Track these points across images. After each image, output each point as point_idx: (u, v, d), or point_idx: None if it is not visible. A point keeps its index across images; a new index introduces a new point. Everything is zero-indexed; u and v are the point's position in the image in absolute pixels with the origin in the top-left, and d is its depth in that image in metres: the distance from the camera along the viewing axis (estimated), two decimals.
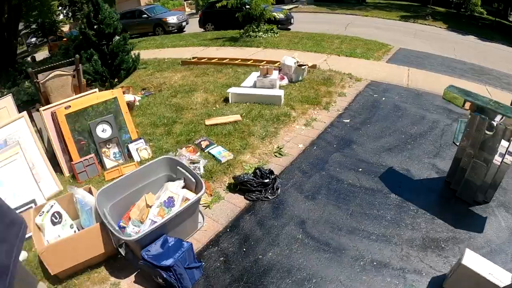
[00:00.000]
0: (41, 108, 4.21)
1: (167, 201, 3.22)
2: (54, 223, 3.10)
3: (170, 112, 5.44)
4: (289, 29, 12.80)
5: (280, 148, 4.45)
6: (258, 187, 3.69)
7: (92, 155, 4.29)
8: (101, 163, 4.33)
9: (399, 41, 11.00)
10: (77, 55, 4.52)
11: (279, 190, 3.72)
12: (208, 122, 4.99)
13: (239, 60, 7.14)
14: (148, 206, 3.35)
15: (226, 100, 5.58)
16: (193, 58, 7.52)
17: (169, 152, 4.38)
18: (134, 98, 5.62)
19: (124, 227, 3.19)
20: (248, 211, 3.52)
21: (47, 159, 4.14)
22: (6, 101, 4.19)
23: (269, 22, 10.40)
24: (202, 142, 4.54)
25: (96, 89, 4.52)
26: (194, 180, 3.23)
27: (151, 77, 6.91)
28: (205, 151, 4.40)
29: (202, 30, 16.09)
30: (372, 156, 4.25)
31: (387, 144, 4.50)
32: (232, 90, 5.56)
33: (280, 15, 11.20)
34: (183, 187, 3.38)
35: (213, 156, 4.29)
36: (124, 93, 5.77)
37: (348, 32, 11.69)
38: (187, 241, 2.87)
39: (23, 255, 3.21)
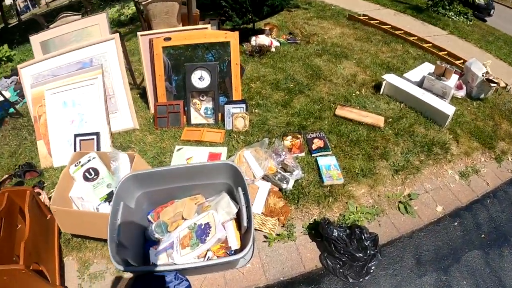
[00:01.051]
0: (139, 33, 3.24)
1: (202, 227, 2.09)
2: (86, 179, 2.40)
3: (304, 75, 3.92)
4: (485, 20, 9.01)
5: (411, 199, 2.72)
6: (344, 255, 2.19)
7: (180, 102, 3.21)
8: (187, 115, 3.22)
9: None
10: None
11: (368, 276, 2.20)
12: (339, 111, 3.35)
13: (415, 38, 4.94)
14: (183, 218, 2.18)
15: (377, 87, 3.75)
16: (363, 15, 5.56)
17: (268, 135, 3.04)
18: (271, 42, 4.22)
19: (151, 222, 2.29)
20: (309, 282, 2.22)
21: (129, 90, 3.22)
22: (100, 18, 3.35)
23: (464, 4, 7.32)
24: (315, 140, 3.02)
25: (208, 26, 3.24)
26: (245, 224, 1.89)
27: (307, 22, 5.28)
28: (312, 155, 2.90)
29: None
30: None
31: None
32: (390, 78, 3.67)
33: (480, 0, 7.79)
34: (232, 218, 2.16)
35: (318, 168, 2.78)
36: (263, 32, 4.42)
37: None
38: None
39: None
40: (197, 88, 3.17)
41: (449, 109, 3.31)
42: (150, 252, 2.09)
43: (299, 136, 3.05)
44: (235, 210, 2.10)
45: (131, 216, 2.08)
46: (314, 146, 2.96)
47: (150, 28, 3.37)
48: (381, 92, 3.68)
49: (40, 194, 2.88)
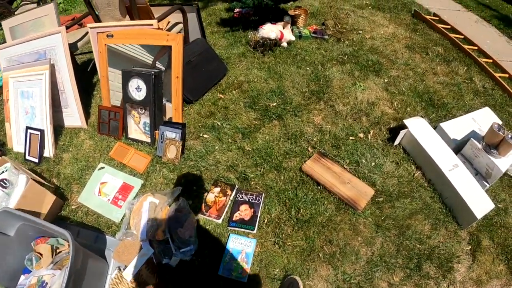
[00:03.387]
0: (89, 25, 2.39)
1: (43, 284, 1.64)
2: (3, 187, 2.07)
3: (302, 90, 2.53)
4: None
5: None
6: None
7: (120, 110, 2.37)
8: (125, 126, 2.36)
9: None
10: None
11: None
12: (310, 164, 2.04)
13: (490, 61, 2.81)
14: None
15: (395, 131, 2.16)
16: (434, 15, 3.36)
17: (199, 177, 2.06)
18: (281, 34, 2.80)
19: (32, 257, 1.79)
20: None
21: (76, 87, 2.49)
22: (48, 9, 2.63)
23: None
24: (243, 207, 1.93)
25: (154, 22, 2.10)
26: None
27: (354, 11, 3.38)
28: (228, 228, 1.82)
29: None
30: None
31: None
32: (414, 125, 2.07)
33: None
34: None
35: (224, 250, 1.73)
36: (282, 20, 2.96)
37: None
38: None
39: None
40: (134, 99, 2.22)
41: (482, 206, 1.74)
42: (21, 278, 1.76)
43: (230, 192, 1.92)
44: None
45: (9, 243, 1.77)
46: (236, 216, 1.83)
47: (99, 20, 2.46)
48: (395, 143, 2.12)
49: None
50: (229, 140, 2.20)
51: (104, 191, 2.16)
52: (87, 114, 2.65)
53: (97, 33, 2.34)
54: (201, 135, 2.26)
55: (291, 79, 2.58)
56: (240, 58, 2.84)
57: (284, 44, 2.86)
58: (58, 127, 2.67)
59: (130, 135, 2.35)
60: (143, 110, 2.26)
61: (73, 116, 2.62)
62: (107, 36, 2.24)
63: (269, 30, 2.72)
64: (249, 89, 2.53)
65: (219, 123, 2.31)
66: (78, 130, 2.61)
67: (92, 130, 2.56)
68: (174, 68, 2.07)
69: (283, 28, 2.86)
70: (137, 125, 2.34)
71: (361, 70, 2.63)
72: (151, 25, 2.13)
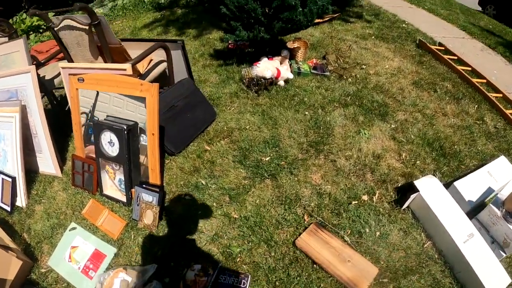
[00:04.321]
0: (60, 64, 2.11)
1: None
2: None
3: (299, 141, 2.20)
4: None
5: None
6: None
7: (94, 163, 2.03)
8: (99, 182, 2.03)
9: None
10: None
11: None
12: (305, 238, 1.71)
13: (500, 96, 2.50)
14: None
15: (403, 190, 1.82)
16: (439, 44, 3.01)
17: (181, 248, 1.72)
18: (278, 71, 2.45)
19: None
20: None
21: (48, 132, 2.16)
22: (18, 45, 2.30)
23: None
24: None
25: (127, 66, 1.77)
26: None
27: (357, 42, 3.08)
28: None
29: (480, 10, 6.48)
30: None
31: None
32: (424, 186, 1.74)
33: None
34: None
35: None
36: (280, 55, 2.62)
37: None
38: None
39: None
40: (107, 154, 1.90)
41: (498, 285, 1.40)
42: None
43: (212, 271, 1.59)
44: None
45: None
46: None
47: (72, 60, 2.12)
48: (403, 206, 1.78)
49: None
50: (214, 204, 1.86)
51: (74, 257, 1.86)
52: (62, 160, 2.35)
53: (69, 74, 2.02)
54: (183, 196, 1.92)
55: (288, 127, 2.24)
56: (232, 98, 2.51)
57: (281, 82, 2.52)
58: (32, 172, 2.37)
59: (105, 191, 2.03)
60: (118, 166, 1.94)
61: (47, 162, 2.31)
62: (78, 79, 1.92)
63: (265, 68, 2.37)
64: (239, 138, 2.20)
65: (203, 182, 1.97)
66: (52, 178, 2.30)
67: (67, 180, 2.25)
68: (149, 123, 1.75)
69: (281, 63, 2.52)
70: (113, 181, 2.01)
71: (365, 114, 2.28)
72: (125, 69, 1.80)
